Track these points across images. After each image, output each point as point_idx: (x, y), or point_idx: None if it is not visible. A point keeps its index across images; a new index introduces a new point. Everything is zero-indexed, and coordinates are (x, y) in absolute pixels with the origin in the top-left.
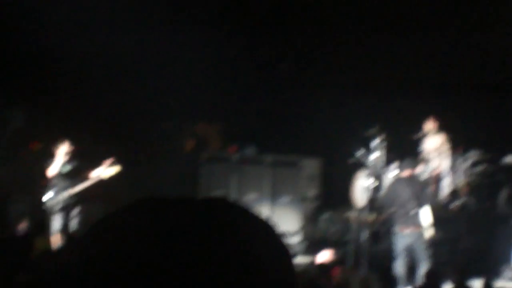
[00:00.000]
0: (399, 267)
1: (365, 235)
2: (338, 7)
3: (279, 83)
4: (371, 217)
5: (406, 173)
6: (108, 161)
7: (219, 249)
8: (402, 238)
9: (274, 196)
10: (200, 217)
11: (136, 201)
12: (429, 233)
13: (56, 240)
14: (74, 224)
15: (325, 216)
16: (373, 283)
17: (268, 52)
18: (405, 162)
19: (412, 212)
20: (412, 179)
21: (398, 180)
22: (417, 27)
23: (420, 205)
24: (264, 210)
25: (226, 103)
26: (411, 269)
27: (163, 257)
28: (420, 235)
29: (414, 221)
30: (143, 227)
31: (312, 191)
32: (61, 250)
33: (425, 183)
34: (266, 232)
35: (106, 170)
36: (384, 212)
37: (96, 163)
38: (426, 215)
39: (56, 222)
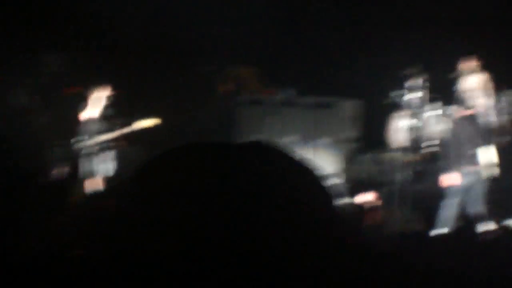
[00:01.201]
0: (451, 207)
1: (408, 175)
2: None
3: (316, 24)
4: (414, 156)
5: (466, 111)
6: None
7: (265, 190)
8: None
9: (314, 138)
10: (244, 161)
11: (182, 145)
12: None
13: (94, 183)
14: (112, 168)
15: (366, 157)
16: (417, 224)
17: None
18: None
19: (471, 152)
20: (473, 117)
21: (459, 119)
22: None
23: (482, 144)
24: (304, 152)
25: (263, 45)
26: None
27: (213, 200)
28: (478, 174)
29: (473, 160)
30: (192, 171)
31: (352, 133)
32: (101, 194)
33: (487, 122)
34: (307, 173)
35: (142, 122)
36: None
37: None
38: (488, 154)
39: (95, 166)
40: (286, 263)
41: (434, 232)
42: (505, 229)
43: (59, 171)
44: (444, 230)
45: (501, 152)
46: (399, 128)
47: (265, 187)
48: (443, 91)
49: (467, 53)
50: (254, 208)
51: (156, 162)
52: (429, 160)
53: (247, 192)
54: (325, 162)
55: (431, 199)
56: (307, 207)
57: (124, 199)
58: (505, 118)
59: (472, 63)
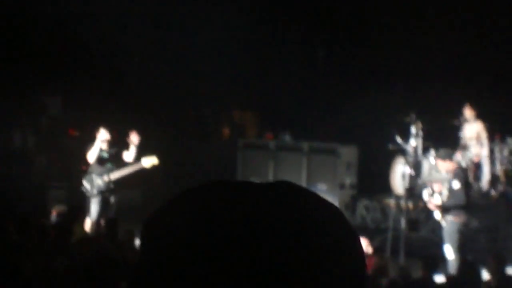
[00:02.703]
0: (448, 252)
1: (403, 222)
2: None
3: (315, 70)
4: (410, 204)
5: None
6: (135, 138)
7: (298, 233)
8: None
9: (310, 184)
10: (274, 201)
11: (203, 184)
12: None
13: (94, 226)
14: (112, 210)
15: (363, 203)
16: (412, 271)
17: (306, 39)
18: (440, 152)
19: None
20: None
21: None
22: (453, 13)
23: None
24: None
25: (263, 91)
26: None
27: (242, 243)
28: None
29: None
30: (218, 211)
31: (349, 179)
32: (99, 236)
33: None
34: (339, 216)
35: (146, 160)
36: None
37: (132, 143)
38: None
39: (94, 208)
40: None
41: (430, 280)
42: (505, 278)
43: (59, 212)
44: (442, 277)
45: (496, 201)
46: (397, 175)
47: (301, 228)
48: (440, 139)
49: (464, 103)
50: (290, 252)
51: (176, 203)
52: (424, 208)
53: (282, 234)
54: None
55: (425, 246)
56: (342, 248)
57: (147, 244)
58: (500, 167)
59: (469, 112)
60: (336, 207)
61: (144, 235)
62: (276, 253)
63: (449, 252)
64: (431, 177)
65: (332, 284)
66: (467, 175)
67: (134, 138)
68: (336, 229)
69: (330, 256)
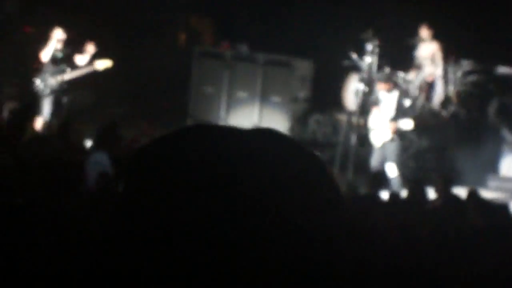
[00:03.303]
0: (391, 170)
1: (354, 138)
2: None
3: None
4: (361, 120)
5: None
6: (91, 48)
7: (279, 178)
8: (397, 142)
9: (264, 95)
10: (256, 149)
11: (183, 128)
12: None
13: (45, 125)
14: (64, 111)
15: (315, 117)
16: (360, 186)
17: None
18: (383, 74)
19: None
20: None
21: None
22: None
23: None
24: (253, 109)
25: None
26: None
27: (222, 186)
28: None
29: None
30: (199, 156)
31: (303, 92)
32: (51, 137)
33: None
34: (320, 166)
35: (99, 62)
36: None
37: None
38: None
39: (47, 108)
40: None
41: (376, 196)
42: (450, 198)
43: (11, 109)
44: (388, 194)
45: (446, 122)
46: (350, 91)
47: (281, 175)
48: (394, 57)
49: (421, 22)
50: (270, 197)
51: (154, 150)
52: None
53: (263, 177)
54: (274, 120)
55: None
56: (320, 195)
57: (127, 184)
58: (453, 88)
59: (425, 32)
60: (317, 157)
61: (129, 173)
62: (254, 200)
63: (392, 170)
64: None
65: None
66: (407, 93)
67: (90, 48)
68: (316, 178)
69: (308, 204)
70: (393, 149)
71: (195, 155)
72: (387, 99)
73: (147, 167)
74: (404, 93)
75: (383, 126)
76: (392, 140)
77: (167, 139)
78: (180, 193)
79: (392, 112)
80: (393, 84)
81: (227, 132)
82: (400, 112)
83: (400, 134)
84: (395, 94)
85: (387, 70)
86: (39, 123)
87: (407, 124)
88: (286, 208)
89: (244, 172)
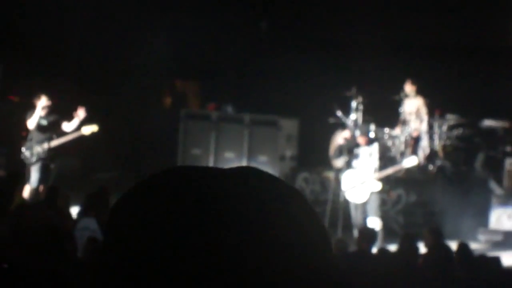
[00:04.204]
0: (374, 224)
1: (342, 195)
2: None
3: (258, 42)
4: (348, 176)
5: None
6: (82, 113)
7: (263, 219)
8: (378, 196)
9: (251, 155)
10: (239, 186)
11: (162, 171)
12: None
13: (33, 193)
14: (51, 177)
15: (303, 175)
16: (349, 244)
17: (249, 11)
18: (360, 128)
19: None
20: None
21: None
22: None
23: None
24: None
25: (205, 61)
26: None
27: (206, 228)
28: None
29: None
30: (180, 198)
31: (289, 151)
32: (39, 204)
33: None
34: (300, 198)
35: (86, 128)
36: None
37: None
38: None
39: (34, 176)
40: None
41: (369, 252)
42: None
43: None
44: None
45: (433, 176)
46: (335, 148)
47: (263, 214)
48: (380, 113)
49: (405, 78)
50: (252, 238)
51: (135, 194)
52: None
53: (247, 219)
54: None
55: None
56: (304, 229)
57: (111, 227)
58: (438, 142)
59: (409, 87)
60: (296, 189)
61: (110, 221)
62: (241, 239)
63: (375, 223)
64: None
65: (297, 262)
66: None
67: (81, 113)
68: (298, 209)
69: (292, 235)
70: (374, 202)
71: (174, 199)
72: (366, 153)
73: (122, 219)
74: (383, 145)
75: (364, 181)
76: (374, 193)
77: (142, 186)
78: (159, 244)
79: (375, 163)
80: (370, 137)
81: (207, 173)
82: (385, 161)
83: (386, 184)
84: (375, 146)
85: (371, 126)
86: (26, 191)
87: (411, 161)
88: (273, 249)
89: (227, 213)
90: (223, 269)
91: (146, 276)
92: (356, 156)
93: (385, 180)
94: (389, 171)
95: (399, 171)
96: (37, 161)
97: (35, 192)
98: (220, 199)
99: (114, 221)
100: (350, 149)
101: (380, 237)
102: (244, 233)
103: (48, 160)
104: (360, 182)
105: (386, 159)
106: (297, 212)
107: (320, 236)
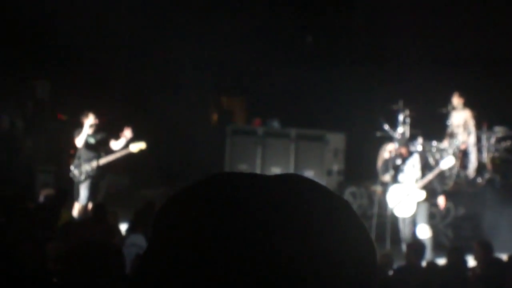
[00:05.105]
0: (423, 232)
1: (389, 209)
2: None
3: (303, 56)
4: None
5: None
6: (128, 133)
7: (310, 226)
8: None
9: (297, 170)
10: (281, 191)
11: (214, 175)
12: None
13: (82, 210)
14: (100, 195)
15: (350, 190)
16: (395, 258)
17: (294, 26)
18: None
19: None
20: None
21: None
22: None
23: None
24: None
25: (250, 77)
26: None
27: (250, 233)
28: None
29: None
30: (228, 205)
31: (336, 165)
32: (87, 221)
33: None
34: (349, 209)
35: (134, 145)
36: None
37: (121, 136)
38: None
39: (83, 193)
40: None
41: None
42: (492, 264)
43: (46, 195)
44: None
45: (482, 189)
46: (382, 163)
47: (308, 219)
48: (427, 127)
49: (452, 91)
50: (299, 246)
51: (180, 199)
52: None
53: (290, 224)
54: None
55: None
56: (350, 239)
57: (156, 233)
58: (486, 155)
59: (457, 100)
60: (344, 199)
61: (155, 225)
62: (288, 246)
63: (424, 231)
64: None
65: (344, 275)
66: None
67: (127, 133)
68: (346, 220)
69: (341, 248)
70: (423, 210)
71: (220, 203)
72: (410, 164)
73: (168, 221)
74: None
75: (408, 193)
76: (422, 202)
77: (187, 190)
78: (204, 246)
79: (417, 173)
80: (410, 148)
81: (254, 178)
82: (427, 170)
83: (429, 192)
84: (416, 156)
85: (420, 139)
86: (75, 209)
87: (448, 162)
88: (319, 255)
89: (273, 219)
90: (268, 274)
91: (192, 280)
92: (401, 170)
93: (428, 190)
94: (430, 176)
95: (439, 174)
96: (86, 179)
97: (84, 209)
98: (267, 205)
99: (160, 224)
100: (394, 163)
101: (429, 247)
102: (292, 240)
103: (97, 178)
104: (405, 195)
105: (429, 168)
106: (346, 222)
107: (367, 249)
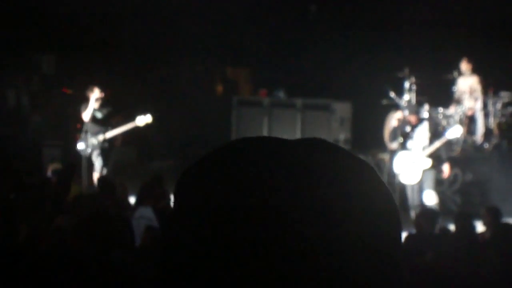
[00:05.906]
0: (430, 198)
1: (397, 176)
2: None
3: (308, 26)
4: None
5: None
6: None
7: (331, 189)
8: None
9: None
10: (308, 156)
11: (233, 142)
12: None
13: (89, 184)
14: (107, 168)
15: None
16: (406, 224)
17: None
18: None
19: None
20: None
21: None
22: None
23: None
24: None
25: (256, 47)
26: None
27: (276, 198)
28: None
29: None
30: (251, 171)
31: (343, 134)
32: (95, 195)
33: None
34: (372, 171)
35: (140, 118)
36: None
37: (128, 109)
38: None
39: (97, 163)
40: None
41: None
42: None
43: (54, 170)
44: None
45: (489, 154)
46: (389, 131)
47: (335, 185)
48: (433, 93)
49: (459, 57)
50: (323, 208)
51: (208, 163)
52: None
53: (317, 189)
54: None
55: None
56: (377, 207)
57: (181, 199)
58: (493, 120)
59: (465, 66)
60: (368, 163)
61: (176, 193)
62: (313, 210)
63: (431, 197)
64: None
65: (370, 240)
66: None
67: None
68: (371, 183)
69: (366, 211)
70: (430, 177)
71: (244, 169)
72: (419, 132)
73: (191, 186)
74: (437, 124)
75: (414, 161)
76: (428, 168)
77: (211, 156)
78: (229, 211)
79: (425, 140)
80: (419, 116)
81: (277, 142)
82: (435, 137)
83: (435, 159)
84: (425, 124)
85: (425, 106)
86: (95, 179)
87: (455, 131)
88: (344, 218)
89: (297, 183)
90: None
91: (212, 249)
92: (410, 137)
93: (435, 157)
94: (436, 144)
95: (445, 143)
96: (93, 151)
97: (91, 183)
98: (290, 168)
99: (180, 194)
100: (403, 130)
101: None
102: (315, 203)
103: (104, 151)
104: (411, 162)
105: (437, 135)
106: (369, 184)
107: (391, 211)
